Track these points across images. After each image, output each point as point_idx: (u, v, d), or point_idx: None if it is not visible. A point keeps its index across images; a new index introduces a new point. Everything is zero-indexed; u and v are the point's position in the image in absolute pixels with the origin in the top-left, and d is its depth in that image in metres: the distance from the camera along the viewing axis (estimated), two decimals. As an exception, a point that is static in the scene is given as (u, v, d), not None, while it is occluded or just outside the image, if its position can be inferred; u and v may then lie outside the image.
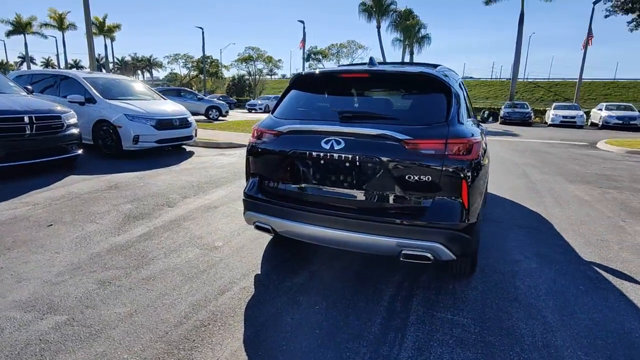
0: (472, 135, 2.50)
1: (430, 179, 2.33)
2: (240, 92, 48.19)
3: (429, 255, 2.35)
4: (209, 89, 44.81)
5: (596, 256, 3.45)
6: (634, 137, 15.64)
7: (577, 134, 17.68)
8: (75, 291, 2.62)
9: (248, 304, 2.53)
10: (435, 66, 3.16)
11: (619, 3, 14.37)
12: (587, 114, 24.77)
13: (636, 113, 22.36)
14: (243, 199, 2.99)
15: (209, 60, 45.67)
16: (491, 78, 60.27)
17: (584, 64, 28.11)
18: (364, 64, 3.31)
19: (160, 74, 59.88)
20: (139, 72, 72.76)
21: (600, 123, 22.39)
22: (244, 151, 8.98)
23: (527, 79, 56.07)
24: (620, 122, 21.55)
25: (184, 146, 9.15)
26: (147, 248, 3.36)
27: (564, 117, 22.83)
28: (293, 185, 2.70)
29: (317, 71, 2.96)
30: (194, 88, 45.68)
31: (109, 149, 7.66)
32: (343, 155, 2.45)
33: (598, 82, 46.52)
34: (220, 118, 20.33)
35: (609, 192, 5.89)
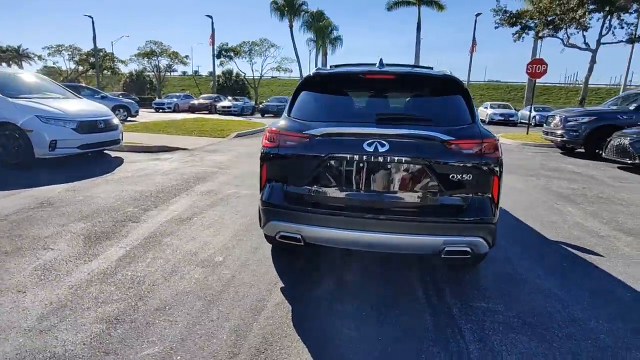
0: (493, 135, 2.69)
1: (470, 177, 2.45)
2: (141, 90, 44.00)
3: (468, 249, 2.47)
4: (101, 86, 39.94)
5: (556, 236, 4.01)
6: (515, 131, 18.44)
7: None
8: (79, 337, 2.13)
9: (293, 321, 2.35)
10: (430, 68, 3.31)
11: (506, 17, 16.95)
12: None
13: (513, 111, 26.53)
14: (263, 208, 2.76)
15: (101, 54, 40.66)
16: None
17: (470, 67, 32.23)
18: (370, 64, 3.32)
19: (33, 67, 51.22)
20: (3, 64, 61.23)
21: (487, 119, 25.99)
22: (182, 155, 8.32)
23: None
24: (502, 118, 25.31)
25: (106, 151, 8.03)
26: (138, 273, 2.89)
27: (500, 114, 25.83)
28: (330, 190, 2.58)
29: (337, 70, 2.87)
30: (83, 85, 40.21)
31: (13, 158, 6.34)
32: (388, 157, 2.42)
33: (474, 84, 54.23)
34: (130, 119, 18.31)
35: (530, 179, 6.88)
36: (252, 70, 35.92)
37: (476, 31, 31.16)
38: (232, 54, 33.66)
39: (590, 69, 15.26)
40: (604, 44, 13.47)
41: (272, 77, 55.79)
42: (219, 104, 28.18)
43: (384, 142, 2.42)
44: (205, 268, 3.01)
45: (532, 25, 15.45)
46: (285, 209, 2.65)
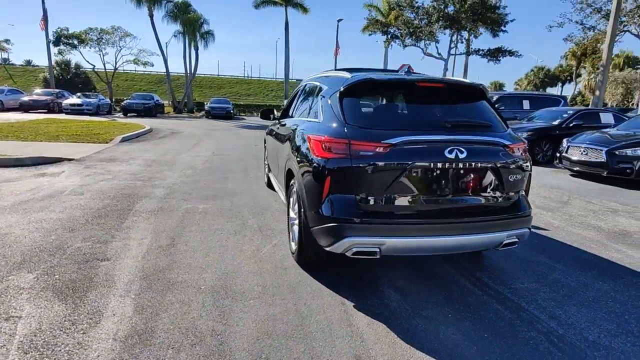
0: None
1: (519, 176, 2.76)
2: None
3: (517, 240, 2.79)
4: None
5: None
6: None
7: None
8: None
9: (399, 337, 2.26)
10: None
11: (379, 26, 18.87)
12: None
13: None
14: (332, 226, 2.53)
15: None
16: (246, 76, 65.86)
17: (335, 68, 34.69)
18: (393, 71, 3.35)
19: None
20: None
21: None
22: (75, 167, 6.73)
23: (277, 78, 64.73)
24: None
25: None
26: (173, 334, 2.29)
27: None
28: (412, 199, 2.52)
29: (390, 77, 2.80)
30: None
31: None
32: (467, 163, 2.52)
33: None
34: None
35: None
36: (104, 63, 30.85)
37: (349, 34, 33.67)
38: (75, 42, 28.13)
39: (444, 76, 18.50)
40: (452, 55, 16.55)
41: (135, 70, 49.42)
42: (66, 102, 23.32)
43: (462, 148, 2.51)
44: (256, 300, 2.58)
45: (398, 34, 17.72)
46: (364, 223, 2.49)
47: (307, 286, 2.84)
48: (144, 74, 53.89)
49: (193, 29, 25.71)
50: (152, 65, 33.83)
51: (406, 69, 3.16)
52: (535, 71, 62.47)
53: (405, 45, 19.01)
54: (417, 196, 2.53)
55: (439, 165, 2.49)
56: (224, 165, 7.76)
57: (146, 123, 16.47)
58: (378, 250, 2.51)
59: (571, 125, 9.80)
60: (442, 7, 15.02)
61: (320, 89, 3.27)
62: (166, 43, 27.65)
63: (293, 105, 4.33)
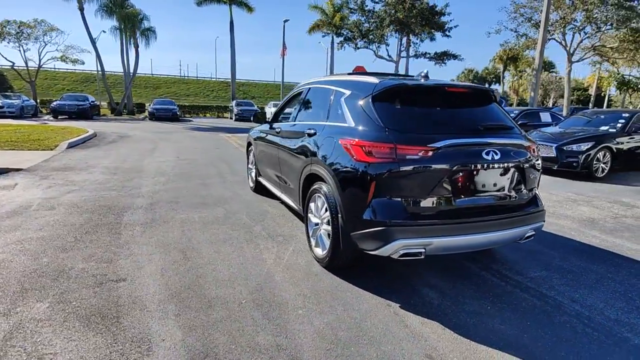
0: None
1: (536, 174, 3.00)
2: None
3: (534, 233, 3.04)
4: None
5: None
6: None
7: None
8: None
9: (456, 333, 2.35)
10: None
11: (332, 28, 19.07)
12: (262, 109, 30.66)
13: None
14: (381, 229, 2.55)
15: None
16: (183, 75, 63.29)
17: (283, 69, 34.61)
18: (409, 76, 3.44)
19: None
20: None
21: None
22: (29, 179, 6.10)
23: (219, 78, 63.01)
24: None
25: None
26: None
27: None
28: (455, 199, 2.62)
29: (421, 83, 2.88)
30: None
31: None
32: (501, 164, 2.68)
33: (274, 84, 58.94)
34: None
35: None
36: (25, 60, 27.53)
37: (297, 34, 33.61)
38: (-11, 36, 24.77)
39: None
40: (403, 57, 17.32)
41: (55, 68, 44.73)
42: (-19, 103, 20.59)
43: (496, 150, 2.68)
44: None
45: (350, 36, 18.12)
46: (412, 225, 2.55)
47: (347, 291, 2.84)
48: (66, 73, 49.14)
49: (132, 25, 23.96)
50: (83, 64, 31.02)
51: (424, 74, 3.28)
52: (465, 73, 67.33)
53: (358, 48, 19.56)
54: (458, 196, 2.65)
55: (478, 166, 2.63)
56: (197, 170, 7.40)
57: (86, 126, 15.10)
58: (424, 250, 2.59)
59: (518, 123, 10.76)
60: (392, 11, 15.69)
61: (341, 93, 3.27)
62: (95, 39, 25.32)
63: (294, 109, 4.26)
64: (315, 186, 3.26)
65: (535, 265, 3.42)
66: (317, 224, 3.33)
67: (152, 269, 3.03)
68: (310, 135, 3.45)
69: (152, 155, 9.11)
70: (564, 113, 16.83)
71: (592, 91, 42.48)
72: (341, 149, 2.85)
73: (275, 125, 4.76)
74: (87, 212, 4.41)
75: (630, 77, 28.48)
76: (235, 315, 2.45)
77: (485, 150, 2.65)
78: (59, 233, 3.72)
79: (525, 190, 2.92)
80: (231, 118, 27.98)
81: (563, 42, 17.23)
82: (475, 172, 2.66)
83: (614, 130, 8.25)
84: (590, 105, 38.79)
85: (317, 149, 3.22)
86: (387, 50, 17.37)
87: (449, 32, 15.91)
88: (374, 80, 3.03)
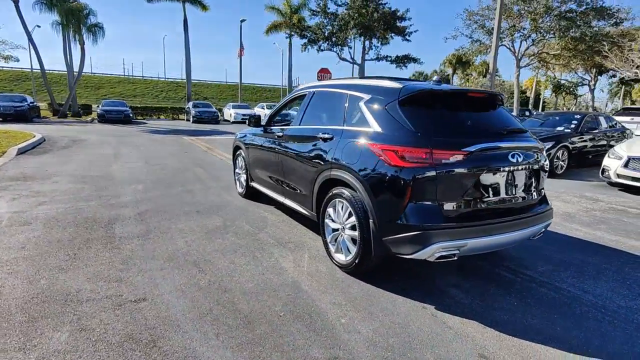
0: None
1: (545, 174, 3.18)
2: None
3: (544, 230, 3.23)
4: None
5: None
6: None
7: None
8: None
9: (497, 330, 2.43)
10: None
11: (297, 30, 18.92)
12: (220, 111, 29.74)
13: (287, 111, 30.10)
14: (419, 233, 2.57)
15: None
16: (129, 75, 60.03)
17: (241, 70, 33.92)
18: (422, 81, 3.49)
19: None
20: None
21: (232, 119, 28.44)
22: None
23: (168, 78, 60.44)
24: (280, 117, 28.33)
25: None
26: None
27: (243, 115, 27.05)
28: (485, 201, 2.70)
29: (445, 88, 2.93)
30: None
31: None
32: (525, 166, 2.82)
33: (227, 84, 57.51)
34: None
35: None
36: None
37: (255, 33, 33.01)
38: None
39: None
40: (366, 60, 17.67)
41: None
42: None
43: (520, 153, 2.81)
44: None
45: (314, 39, 18.15)
46: (448, 228, 2.60)
47: (379, 296, 2.83)
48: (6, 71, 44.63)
49: (77, 20, 22.16)
50: (18, 61, 28.22)
51: (437, 79, 3.36)
52: (416, 75, 70.16)
53: (321, 50, 19.70)
54: (488, 198, 2.75)
55: (506, 169, 2.75)
56: (173, 177, 7.02)
57: (30, 130, 13.78)
58: (458, 252, 2.65)
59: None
60: (356, 15, 16.01)
61: (358, 98, 3.25)
62: (30, 32, 23.12)
63: (298, 113, 4.17)
64: (334, 191, 3.22)
65: (539, 260, 3.63)
66: (336, 230, 3.29)
67: (171, 286, 2.83)
68: (325, 139, 3.40)
69: (118, 161, 8.51)
70: (514, 114, 18.13)
71: (529, 94, 46.14)
72: (371, 154, 2.83)
73: (272, 129, 4.64)
74: (70, 226, 4.02)
75: (564, 82, 31.26)
76: (280, 329, 2.35)
77: (512, 153, 2.78)
78: (47, 251, 3.36)
79: (538, 190, 3.09)
80: (188, 120, 26.88)
81: (512, 49, 18.62)
82: (502, 175, 2.77)
83: (569, 130, 9.00)
84: (530, 106, 42.08)
85: (337, 154, 3.18)
86: (350, 52, 17.69)
87: (409, 36, 16.55)
88: (396, 84, 3.06)
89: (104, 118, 22.39)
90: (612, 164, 6.96)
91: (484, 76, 46.45)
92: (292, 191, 4.03)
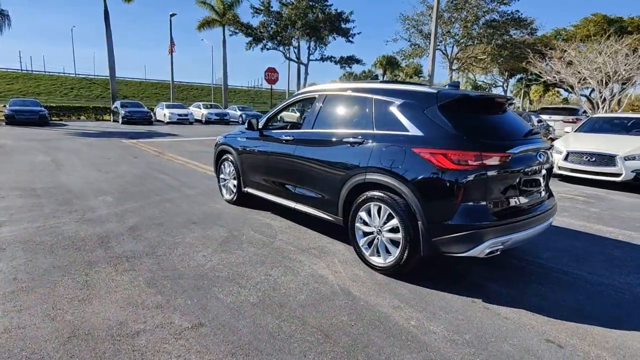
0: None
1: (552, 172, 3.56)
2: None
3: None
4: None
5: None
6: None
7: (215, 129, 20.92)
8: None
9: (544, 315, 2.68)
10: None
11: (242, 27, 18.22)
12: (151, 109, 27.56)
13: (225, 110, 29.12)
14: (472, 232, 2.72)
15: None
16: (28, 70, 53.42)
17: (172, 67, 31.85)
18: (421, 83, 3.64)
19: None
20: None
21: (204, 119, 27.24)
22: None
23: (78, 74, 54.86)
24: (219, 117, 27.28)
25: None
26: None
27: (179, 115, 25.52)
28: (521, 198, 2.93)
29: (477, 94, 3.10)
30: None
31: None
32: (547, 164, 3.12)
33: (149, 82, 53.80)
34: None
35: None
36: None
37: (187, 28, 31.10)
38: None
39: (305, 79, 19.78)
40: (312, 60, 17.75)
41: None
42: None
43: (542, 153, 3.10)
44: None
45: (259, 37, 17.71)
46: (497, 225, 2.78)
47: (429, 295, 2.92)
48: None
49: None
50: None
51: (452, 84, 3.55)
52: (346, 75, 72.22)
53: (267, 49, 19.29)
54: (522, 195, 2.99)
55: (536, 167, 3.02)
56: (141, 185, 6.42)
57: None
58: (502, 247, 2.85)
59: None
60: (301, 14, 16.02)
61: (387, 102, 3.30)
62: None
63: (307, 116, 4.08)
64: (368, 194, 3.24)
65: (541, 248, 4.00)
66: (368, 233, 3.32)
67: (221, 306, 2.62)
68: (354, 144, 3.40)
69: (63, 170, 7.53)
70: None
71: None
72: (418, 158, 2.91)
73: (274, 133, 4.50)
74: (57, 248, 3.50)
75: (481, 83, 34.64)
76: (361, 339, 2.33)
77: (538, 153, 3.06)
78: (49, 280, 2.89)
79: (548, 186, 3.45)
80: (116, 121, 24.55)
81: (445, 52, 20.18)
82: (534, 173, 3.04)
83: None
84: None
85: (374, 158, 3.19)
86: (295, 52, 17.63)
87: (352, 37, 17.03)
88: (430, 89, 3.17)
89: (13, 119, 19.53)
90: (554, 157, 7.94)
91: (411, 77, 49.62)
92: (307, 196, 3.95)
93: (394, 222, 3.07)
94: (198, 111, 28.07)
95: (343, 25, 16.15)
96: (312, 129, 3.98)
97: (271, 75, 16.62)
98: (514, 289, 3.08)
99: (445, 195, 2.79)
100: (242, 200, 5.21)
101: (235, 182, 5.21)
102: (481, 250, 2.77)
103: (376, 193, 3.19)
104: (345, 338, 2.33)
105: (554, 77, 14.95)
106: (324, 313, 2.60)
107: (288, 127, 4.89)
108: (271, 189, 4.54)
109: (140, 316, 2.46)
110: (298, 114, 17.13)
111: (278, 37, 16.23)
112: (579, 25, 28.20)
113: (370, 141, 3.30)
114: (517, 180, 2.93)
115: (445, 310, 2.71)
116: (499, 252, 2.89)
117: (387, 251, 3.19)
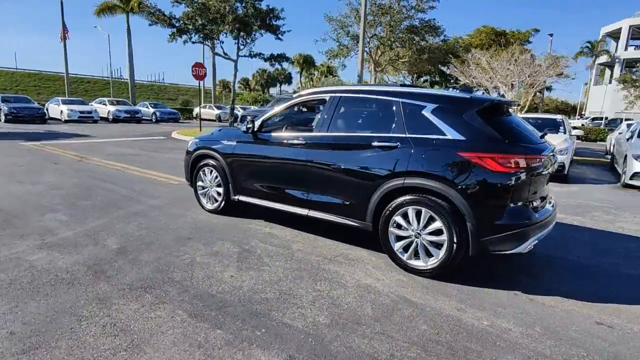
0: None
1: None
2: None
3: None
4: None
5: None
6: (165, 128, 19.23)
7: (129, 128, 18.78)
8: None
9: (579, 300, 2.99)
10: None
11: (164, 17, 16.36)
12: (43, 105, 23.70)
13: (136, 107, 26.35)
14: (521, 230, 2.94)
15: None
16: None
17: (66, 56, 27.62)
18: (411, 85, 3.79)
19: None
20: None
21: (111, 117, 24.35)
22: None
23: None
24: (129, 115, 24.61)
25: None
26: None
27: (81, 112, 22.35)
28: (543, 197, 3.25)
29: (500, 99, 3.28)
30: None
31: None
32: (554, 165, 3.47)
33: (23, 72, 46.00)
34: None
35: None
36: None
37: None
38: None
39: (235, 75, 18.76)
40: (241, 56, 16.96)
41: None
42: None
43: (554, 154, 3.43)
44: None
45: (184, 29, 16.24)
46: (538, 222, 3.02)
47: (476, 292, 3.03)
48: None
49: None
50: None
51: (464, 87, 3.73)
52: (260, 72, 71.09)
53: (193, 42, 17.76)
54: (546, 194, 3.29)
55: (551, 169, 3.34)
56: (88, 198, 5.46)
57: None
58: (537, 242, 3.10)
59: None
60: (232, 8, 15.16)
61: (419, 106, 3.31)
62: None
63: (324, 119, 3.86)
64: (406, 198, 3.24)
65: (548, 242, 4.26)
66: (404, 237, 3.32)
67: (300, 332, 2.37)
68: (387, 148, 3.35)
69: (-33, 183, 6.02)
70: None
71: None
72: (466, 162, 2.98)
73: (276, 136, 4.21)
74: (43, 286, 2.79)
75: (392, 83, 37.16)
76: (454, 346, 2.32)
77: (554, 155, 3.39)
78: (66, 328, 2.29)
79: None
80: (-5, 119, 20.50)
81: (370, 54, 21.11)
82: (549, 174, 3.36)
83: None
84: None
85: (414, 163, 3.17)
86: (222, 47, 16.65)
87: (282, 35, 16.77)
88: (462, 94, 3.29)
89: None
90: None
91: (326, 76, 50.92)
92: (326, 203, 3.78)
93: (437, 224, 3.12)
94: (103, 108, 25.00)
95: (274, 22, 15.84)
96: (327, 132, 3.82)
97: (199, 70, 15.49)
98: (542, 279, 3.35)
99: (496, 197, 2.93)
100: (228, 209, 4.78)
101: (220, 189, 4.75)
102: (525, 247, 2.98)
103: (415, 197, 3.20)
104: (441, 348, 2.30)
105: (471, 80, 16.87)
106: (401, 325, 2.53)
107: (283, 129, 4.61)
108: (273, 196, 4.23)
109: (218, 359, 2.09)
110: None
111: (205, 31, 15.15)
112: (473, 35, 32.28)
113: (405, 145, 3.29)
114: (544, 180, 3.21)
115: (500, 306, 2.84)
116: (532, 247, 3.14)
117: (427, 254, 3.23)
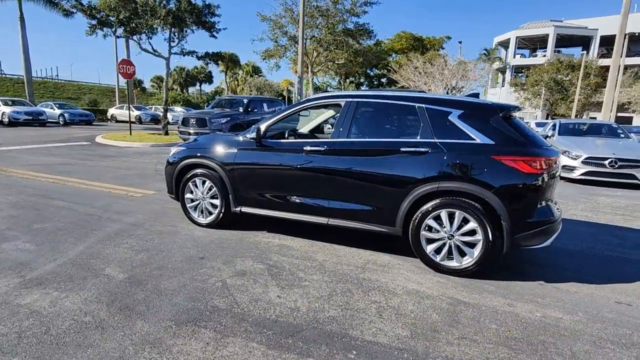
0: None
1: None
2: None
3: None
4: None
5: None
6: (100, 131, 17.15)
7: (33, 132, 16.24)
8: None
9: (592, 285, 3.38)
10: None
11: (82, 7, 14.13)
12: None
13: (39, 109, 22.89)
14: (550, 226, 3.22)
15: None
16: None
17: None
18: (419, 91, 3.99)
19: None
20: None
21: (7, 120, 20.94)
22: None
23: None
24: (31, 117, 21.36)
25: None
26: None
27: (27, 113, 19.22)
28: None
29: (515, 106, 3.51)
30: None
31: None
32: (557, 162, 3.84)
33: None
34: None
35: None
36: None
37: None
38: None
39: (167, 74, 17.15)
40: (173, 54, 15.63)
41: None
42: None
43: (555, 153, 3.82)
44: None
45: (106, 21, 14.33)
46: (557, 219, 3.33)
47: (513, 286, 3.23)
48: None
49: None
50: None
51: (473, 94, 3.95)
52: (178, 70, 66.98)
53: (117, 36, 15.75)
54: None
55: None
56: (44, 219, 4.60)
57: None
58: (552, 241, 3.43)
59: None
60: (165, 2, 13.85)
61: (445, 112, 3.42)
62: None
63: (342, 124, 3.76)
64: (438, 202, 3.33)
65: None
66: (435, 240, 3.42)
67: (392, 349, 2.29)
68: (417, 153, 3.40)
69: None
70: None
71: (285, 93, 53.15)
72: (499, 165, 3.16)
73: (285, 143, 4.01)
74: (69, 334, 2.28)
75: (319, 84, 37.88)
76: (537, 342, 2.46)
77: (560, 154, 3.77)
78: (130, 385, 1.90)
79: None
80: None
81: (308, 55, 21.15)
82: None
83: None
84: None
85: (447, 167, 3.27)
86: (150, 44, 15.16)
87: (217, 32, 15.88)
88: (484, 101, 3.47)
89: None
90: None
91: (251, 76, 49.93)
92: (351, 210, 3.70)
93: (471, 225, 3.27)
94: (49, 111, 21.67)
95: (209, 19, 14.95)
96: (347, 137, 3.75)
97: (127, 68, 13.97)
98: (555, 269, 3.69)
99: (528, 196, 3.16)
100: (226, 222, 4.43)
101: (216, 201, 4.37)
102: (550, 241, 3.28)
103: (448, 199, 3.31)
104: (522, 345, 2.41)
105: (409, 84, 17.93)
106: (472, 327, 2.60)
107: (287, 136, 4.40)
108: (286, 206, 4.02)
109: (331, 391, 1.92)
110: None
111: (132, 24, 13.65)
112: (394, 39, 34.40)
113: (436, 150, 3.37)
114: (555, 177, 3.56)
115: (535, 296, 3.08)
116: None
117: (461, 254, 3.36)
